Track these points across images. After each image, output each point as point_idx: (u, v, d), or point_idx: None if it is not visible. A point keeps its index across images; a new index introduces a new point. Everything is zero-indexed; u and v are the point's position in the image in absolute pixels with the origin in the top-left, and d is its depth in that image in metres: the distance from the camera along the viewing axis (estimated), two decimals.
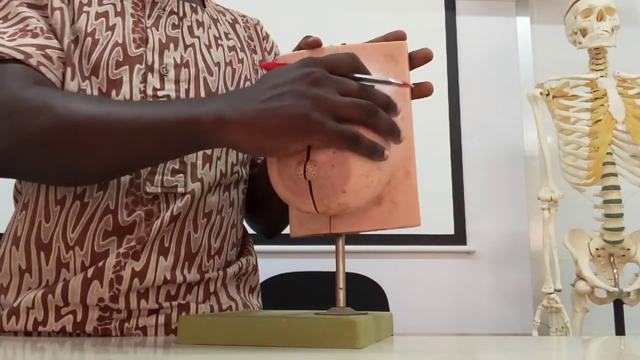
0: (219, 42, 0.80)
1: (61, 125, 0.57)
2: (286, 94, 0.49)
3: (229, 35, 0.82)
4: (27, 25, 0.67)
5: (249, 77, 0.82)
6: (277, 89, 0.50)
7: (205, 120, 0.52)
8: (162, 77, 0.71)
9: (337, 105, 0.49)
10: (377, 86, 0.52)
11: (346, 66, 0.52)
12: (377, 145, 0.50)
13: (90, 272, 0.65)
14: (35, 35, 0.66)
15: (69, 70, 0.68)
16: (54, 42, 0.68)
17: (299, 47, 0.62)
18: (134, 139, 0.56)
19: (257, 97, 0.50)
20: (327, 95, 0.49)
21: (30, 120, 0.57)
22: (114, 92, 0.68)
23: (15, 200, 0.76)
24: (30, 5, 0.69)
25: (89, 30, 0.69)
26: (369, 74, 0.53)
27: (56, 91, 0.64)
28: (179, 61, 0.73)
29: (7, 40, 0.64)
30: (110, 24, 0.71)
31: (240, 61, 0.81)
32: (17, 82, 0.61)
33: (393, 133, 0.51)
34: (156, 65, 0.71)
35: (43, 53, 0.66)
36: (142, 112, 0.56)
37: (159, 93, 0.70)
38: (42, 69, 0.65)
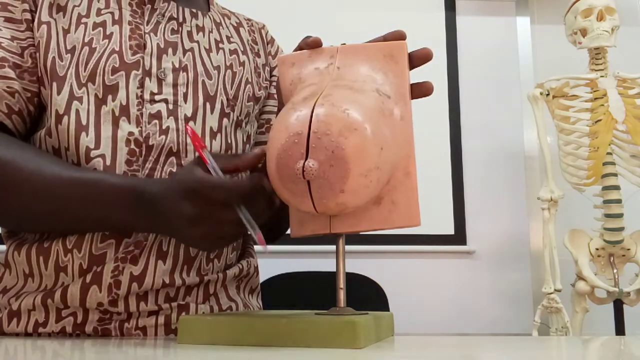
0: (220, 45, 0.80)
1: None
2: (177, 229, 0.59)
3: (231, 39, 0.83)
4: None
5: (250, 80, 0.81)
6: (172, 227, 0.59)
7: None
8: (160, 82, 0.71)
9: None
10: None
11: (220, 196, 0.56)
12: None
13: (88, 277, 0.65)
14: None
15: (54, 84, 0.69)
16: (5, 71, 0.67)
17: (299, 47, 0.62)
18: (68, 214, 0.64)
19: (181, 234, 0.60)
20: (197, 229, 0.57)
21: None
22: (109, 98, 0.69)
23: None
24: (7, 20, 0.70)
25: (86, 40, 0.70)
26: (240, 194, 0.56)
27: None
28: (177, 65, 0.73)
29: None
30: (108, 33, 0.71)
31: (242, 64, 0.81)
32: None
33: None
34: (154, 70, 0.71)
35: None
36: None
37: (157, 97, 0.70)
38: None
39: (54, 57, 0.69)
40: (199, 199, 0.55)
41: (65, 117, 0.68)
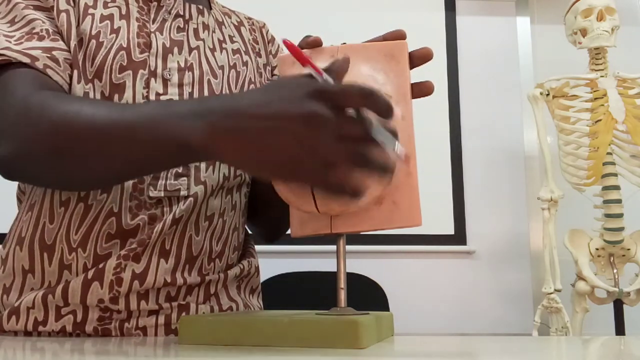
0: (223, 45, 0.79)
1: (57, 134, 0.58)
2: (282, 131, 0.47)
3: (234, 39, 0.82)
4: (34, 28, 0.67)
5: (253, 80, 0.81)
6: (275, 120, 0.48)
7: (197, 145, 0.51)
8: (165, 82, 0.71)
9: (329, 153, 0.48)
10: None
11: (356, 102, 0.48)
12: (356, 186, 0.49)
13: (90, 273, 0.65)
14: (41, 38, 0.66)
15: (75, 72, 0.68)
16: (60, 44, 0.68)
17: (299, 47, 0.62)
18: (127, 153, 0.57)
19: (254, 123, 0.48)
20: (322, 146, 0.47)
21: (31, 128, 0.59)
22: (116, 97, 0.68)
23: (19, 200, 0.76)
24: (37, 7, 0.69)
25: (93, 32, 0.69)
26: (385, 103, 0.49)
27: (58, 98, 0.62)
28: (183, 65, 0.73)
29: (14, 44, 0.65)
30: (115, 27, 0.70)
31: (245, 64, 0.81)
32: (26, 87, 0.62)
33: (383, 172, 0.50)
34: (159, 70, 0.71)
35: (49, 55, 0.66)
36: (139, 124, 0.55)
37: (162, 98, 0.70)
38: (48, 71, 0.65)
39: (75, 45, 0.69)
40: (330, 95, 0.47)
41: None
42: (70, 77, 0.68)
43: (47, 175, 0.62)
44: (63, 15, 0.69)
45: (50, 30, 0.68)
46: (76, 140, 0.58)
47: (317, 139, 0.47)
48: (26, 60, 0.64)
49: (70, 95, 0.67)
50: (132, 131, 0.55)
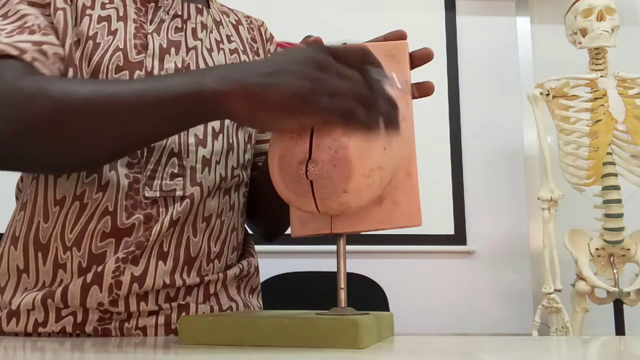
0: (221, 45, 0.79)
1: (58, 109, 0.56)
2: (286, 72, 0.50)
3: (231, 38, 0.82)
4: (26, 22, 0.67)
5: None
6: (279, 66, 0.51)
7: (206, 93, 0.53)
8: None
9: (335, 88, 0.50)
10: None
11: (355, 58, 0.52)
12: (372, 117, 0.50)
13: (89, 277, 0.65)
14: (32, 32, 0.66)
15: (70, 70, 0.68)
16: (51, 38, 0.67)
17: None
18: (137, 116, 0.56)
19: (258, 71, 0.52)
20: (327, 79, 0.50)
21: (28, 107, 0.57)
22: None
23: (17, 198, 0.76)
24: (31, 4, 0.69)
25: (90, 33, 0.69)
26: (380, 67, 0.53)
27: (52, 78, 0.63)
28: (180, 65, 0.73)
29: (5, 37, 0.64)
30: (112, 29, 0.70)
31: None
32: (12, 74, 0.61)
33: (390, 123, 0.52)
34: (156, 71, 0.71)
35: (38, 49, 0.65)
36: (143, 89, 0.56)
37: None
38: (36, 64, 0.64)
39: (71, 44, 0.69)
40: (329, 50, 0.52)
41: None
42: (64, 72, 0.68)
43: (48, 155, 0.60)
44: (60, 13, 0.69)
45: (42, 25, 0.67)
46: (83, 113, 0.56)
47: (321, 75, 0.50)
48: (15, 52, 0.63)
49: (66, 77, 0.66)
50: (141, 95, 0.56)
